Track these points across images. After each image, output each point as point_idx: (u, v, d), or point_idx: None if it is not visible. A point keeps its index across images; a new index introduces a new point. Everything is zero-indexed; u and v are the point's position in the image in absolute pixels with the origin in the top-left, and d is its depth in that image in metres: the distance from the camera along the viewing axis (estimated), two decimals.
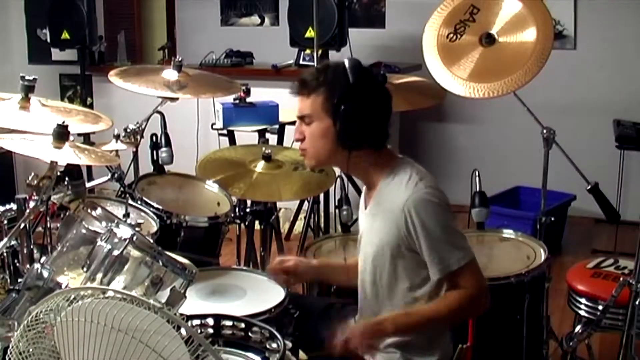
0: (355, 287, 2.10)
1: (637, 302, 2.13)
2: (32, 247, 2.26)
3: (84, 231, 1.85)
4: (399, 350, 1.96)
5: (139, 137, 3.06)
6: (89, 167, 3.80)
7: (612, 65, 4.94)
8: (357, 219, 2.22)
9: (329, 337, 1.87)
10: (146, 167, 3.21)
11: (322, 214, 4.06)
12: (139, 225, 1.84)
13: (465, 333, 2.13)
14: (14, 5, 5.51)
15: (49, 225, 2.30)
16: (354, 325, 1.93)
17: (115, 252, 1.69)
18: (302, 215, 4.49)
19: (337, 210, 3.02)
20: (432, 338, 1.98)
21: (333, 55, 4.58)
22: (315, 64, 3.96)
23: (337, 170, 2.89)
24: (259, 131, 3.71)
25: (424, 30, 2.91)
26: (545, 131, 2.76)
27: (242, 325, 1.83)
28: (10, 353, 1.36)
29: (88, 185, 2.70)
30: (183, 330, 1.31)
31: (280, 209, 4.46)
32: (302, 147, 2.00)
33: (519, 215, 4.29)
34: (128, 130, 3.02)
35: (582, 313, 2.59)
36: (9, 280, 2.31)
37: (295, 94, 1.96)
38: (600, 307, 2.47)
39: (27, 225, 2.20)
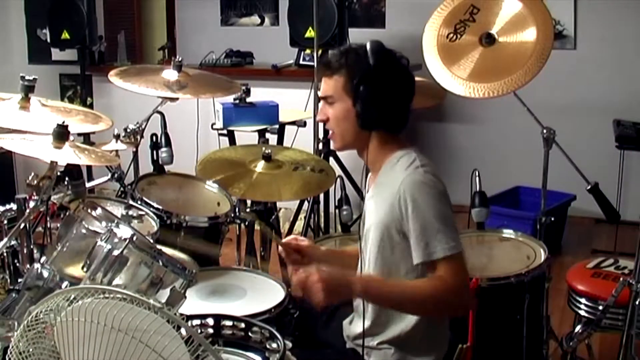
0: None
1: (637, 302, 2.13)
2: (32, 247, 2.26)
3: (84, 231, 1.85)
4: (394, 347, 1.96)
5: (139, 137, 3.06)
6: (89, 167, 3.80)
7: (612, 65, 4.94)
8: (357, 219, 2.22)
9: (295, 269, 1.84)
10: (146, 167, 3.21)
11: (322, 214, 4.06)
12: (140, 217, 1.84)
13: (465, 333, 2.13)
14: (14, 5, 5.51)
15: (49, 225, 2.30)
16: (323, 268, 1.82)
17: (115, 252, 1.69)
18: (302, 215, 4.48)
19: (337, 210, 3.02)
20: (429, 337, 1.97)
21: None
22: (315, 64, 3.96)
23: (337, 170, 2.89)
24: (259, 131, 3.71)
25: (424, 30, 2.91)
26: (545, 131, 2.76)
27: (242, 325, 1.83)
28: (10, 353, 1.36)
29: (88, 185, 2.70)
30: (183, 330, 1.31)
31: (280, 209, 4.46)
32: (327, 127, 2.02)
33: (519, 215, 4.29)
34: (128, 130, 3.02)
35: (582, 313, 2.59)
36: (9, 280, 2.31)
37: (320, 75, 2.01)
38: (600, 307, 2.47)
39: (27, 225, 2.20)
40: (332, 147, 2.09)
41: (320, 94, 2.02)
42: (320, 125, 3.68)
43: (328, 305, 1.86)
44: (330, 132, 2.02)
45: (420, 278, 1.88)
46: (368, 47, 1.93)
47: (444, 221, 1.83)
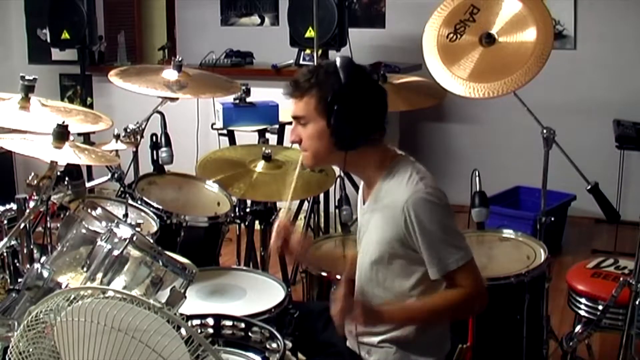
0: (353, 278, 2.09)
1: (637, 302, 2.12)
2: (32, 247, 2.26)
3: (84, 231, 1.85)
4: (395, 346, 1.96)
5: (139, 137, 3.06)
6: (89, 167, 3.80)
7: (612, 65, 4.94)
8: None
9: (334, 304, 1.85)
10: (146, 167, 3.21)
11: (322, 214, 4.06)
12: (138, 225, 1.84)
13: (465, 333, 2.13)
14: (14, 5, 5.51)
15: (49, 225, 2.30)
16: (358, 302, 1.88)
17: (115, 252, 1.69)
18: (302, 215, 4.49)
19: (337, 210, 3.02)
20: (431, 337, 1.98)
21: (333, 55, 4.58)
22: (315, 64, 3.96)
23: (337, 170, 2.89)
24: (259, 131, 3.71)
25: (424, 30, 2.91)
26: (545, 131, 2.76)
27: (242, 325, 1.83)
28: (10, 353, 1.36)
29: (88, 185, 2.70)
30: (183, 330, 1.31)
31: (280, 209, 4.46)
32: (301, 147, 1.99)
33: (519, 215, 4.29)
34: (128, 130, 3.02)
35: (582, 313, 2.59)
36: (9, 280, 2.31)
37: (288, 96, 1.95)
38: (600, 307, 2.47)
39: (27, 225, 2.20)
40: (304, 164, 2.05)
41: (291, 114, 1.97)
42: None
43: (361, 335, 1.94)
44: (303, 150, 1.99)
45: (424, 287, 1.92)
46: (338, 63, 1.89)
47: (451, 232, 1.87)
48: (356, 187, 3.84)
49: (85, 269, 1.72)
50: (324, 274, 2.51)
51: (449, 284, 1.89)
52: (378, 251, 1.94)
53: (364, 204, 2.06)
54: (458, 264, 1.85)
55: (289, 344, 1.75)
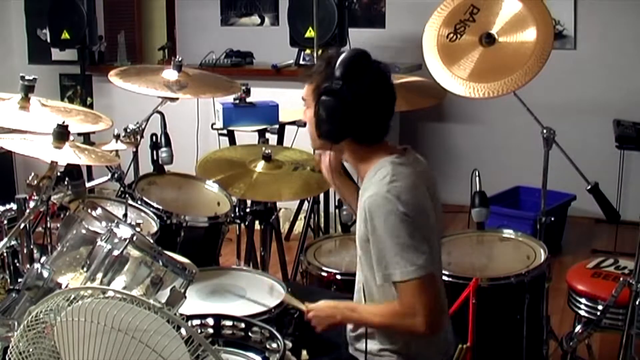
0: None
1: (637, 302, 2.12)
2: (32, 247, 2.26)
3: (84, 231, 1.85)
4: (395, 354, 1.95)
5: (139, 137, 3.05)
6: (89, 167, 3.80)
7: (612, 65, 4.94)
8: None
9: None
10: (146, 167, 3.21)
11: (322, 214, 4.06)
12: (138, 225, 1.84)
13: (465, 333, 2.13)
14: (14, 5, 5.51)
15: (49, 225, 2.30)
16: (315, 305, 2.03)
17: (115, 252, 1.69)
18: (302, 215, 4.49)
19: (337, 210, 3.02)
20: (433, 346, 1.96)
21: None
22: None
23: None
24: (259, 131, 3.70)
25: (424, 30, 2.91)
26: (545, 131, 2.76)
27: (242, 325, 1.83)
28: (10, 353, 1.36)
29: (88, 185, 2.70)
30: (183, 330, 1.31)
31: (280, 209, 4.46)
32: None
33: (519, 215, 4.29)
34: (128, 130, 3.02)
35: (582, 313, 2.59)
36: (9, 280, 2.31)
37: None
38: (600, 307, 2.47)
39: (27, 225, 2.20)
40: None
41: None
42: None
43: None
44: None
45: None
46: (342, 57, 1.91)
47: (402, 244, 1.79)
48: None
49: (85, 269, 1.72)
50: (324, 274, 2.51)
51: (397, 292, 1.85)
52: (359, 248, 1.94)
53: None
54: (402, 277, 1.78)
55: (289, 344, 1.75)
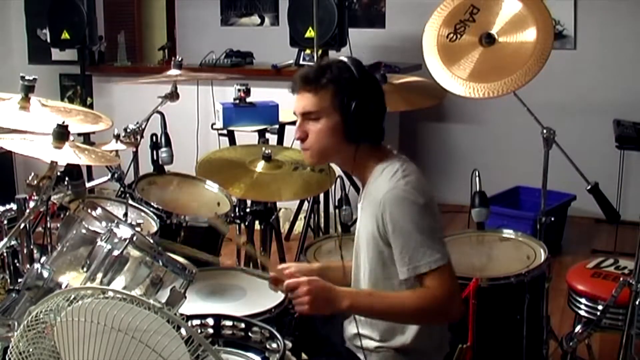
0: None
1: (637, 302, 2.12)
2: (32, 247, 2.26)
3: (84, 231, 1.85)
4: (393, 350, 1.96)
5: (139, 137, 3.06)
6: (89, 167, 3.80)
7: (612, 65, 4.94)
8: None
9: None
10: (146, 167, 3.22)
11: (322, 214, 4.06)
12: (139, 225, 1.84)
13: (465, 333, 2.13)
14: (14, 5, 5.51)
15: (49, 225, 2.30)
16: (316, 279, 1.86)
17: (115, 252, 1.69)
18: (302, 215, 4.49)
19: (337, 210, 3.02)
20: (429, 342, 1.97)
21: (333, 56, 4.58)
22: (316, 62, 3.96)
23: (337, 170, 2.89)
24: (259, 131, 3.71)
25: (424, 30, 2.91)
26: (545, 131, 2.76)
27: (242, 325, 1.83)
28: (10, 353, 1.36)
29: (88, 185, 2.70)
30: (183, 330, 1.31)
31: (280, 209, 4.46)
32: (305, 145, 1.97)
33: (519, 215, 4.29)
34: (128, 130, 3.02)
35: (582, 313, 2.59)
36: (9, 280, 2.31)
37: (297, 91, 1.94)
38: (600, 307, 2.47)
39: (27, 225, 2.20)
40: (306, 161, 2.06)
41: (298, 110, 1.95)
42: None
43: (311, 315, 1.88)
44: (306, 148, 1.97)
45: (411, 289, 1.88)
46: (348, 61, 1.93)
47: (426, 234, 1.82)
48: (356, 187, 3.84)
49: (85, 269, 1.72)
50: None
51: (418, 285, 1.85)
52: (365, 249, 1.95)
53: (360, 204, 2.06)
54: (430, 267, 1.81)
55: (289, 344, 1.75)
